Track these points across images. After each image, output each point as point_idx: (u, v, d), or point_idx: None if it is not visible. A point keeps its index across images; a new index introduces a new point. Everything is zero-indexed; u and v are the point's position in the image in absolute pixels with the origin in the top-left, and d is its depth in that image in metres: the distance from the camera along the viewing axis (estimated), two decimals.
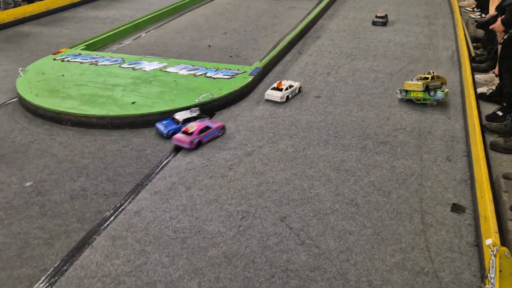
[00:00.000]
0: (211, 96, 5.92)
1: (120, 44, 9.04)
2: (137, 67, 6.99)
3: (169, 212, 3.97)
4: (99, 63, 7.21)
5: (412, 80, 5.86)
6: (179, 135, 5.02)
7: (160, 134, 5.26)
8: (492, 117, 5.22)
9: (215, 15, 10.98)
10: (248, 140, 5.16)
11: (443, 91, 5.75)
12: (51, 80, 6.59)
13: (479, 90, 5.95)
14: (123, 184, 4.48)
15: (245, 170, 4.55)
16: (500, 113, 5.18)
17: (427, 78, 5.72)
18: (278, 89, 5.99)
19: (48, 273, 3.36)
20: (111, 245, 3.61)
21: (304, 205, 3.96)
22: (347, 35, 9.10)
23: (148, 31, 9.85)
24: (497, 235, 3.07)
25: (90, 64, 7.21)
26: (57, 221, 3.93)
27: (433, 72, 5.90)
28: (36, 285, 3.26)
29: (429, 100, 5.72)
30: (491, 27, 5.75)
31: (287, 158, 4.75)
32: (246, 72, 6.70)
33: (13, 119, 5.88)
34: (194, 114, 5.40)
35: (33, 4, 11.23)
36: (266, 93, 6.09)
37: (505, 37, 5.28)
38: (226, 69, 6.83)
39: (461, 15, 9.46)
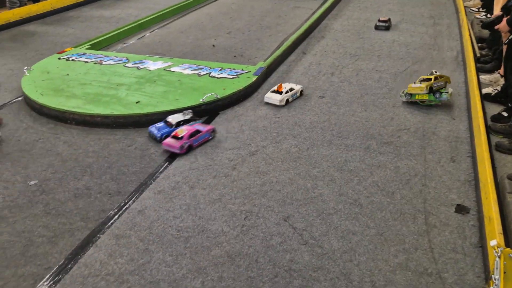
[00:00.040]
0: (215, 95, 5.93)
1: (125, 43, 9.07)
2: (141, 67, 7.01)
3: (172, 211, 3.98)
4: (103, 63, 7.23)
5: (415, 83, 5.82)
6: (169, 140, 4.93)
7: (153, 138, 5.17)
8: (497, 118, 5.20)
9: (220, 15, 11.00)
10: (251, 140, 5.17)
11: (448, 93, 5.73)
12: (56, 79, 6.63)
13: (484, 90, 5.92)
14: (127, 183, 4.50)
15: (249, 169, 4.56)
16: (505, 114, 5.16)
17: (430, 80, 5.69)
18: (278, 92, 5.93)
19: (52, 271, 3.38)
20: (115, 244, 3.62)
21: (307, 205, 3.96)
22: (351, 35, 9.09)
23: (153, 31, 9.87)
24: (502, 236, 3.06)
25: (94, 63, 7.24)
26: (61, 220, 3.95)
27: (436, 72, 5.88)
28: (40, 283, 3.28)
29: (434, 101, 5.72)
30: (496, 27, 5.73)
31: (290, 158, 4.75)
32: (250, 71, 6.70)
33: (18, 118, 5.91)
34: (187, 117, 5.36)
35: (38, 3, 11.29)
36: (265, 96, 6.03)
37: (510, 38, 5.26)
38: (230, 68, 6.84)
39: (466, 15, 9.43)
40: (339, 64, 7.50)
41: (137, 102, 5.81)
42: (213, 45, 8.69)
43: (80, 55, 7.65)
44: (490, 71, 6.64)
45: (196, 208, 4.00)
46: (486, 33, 7.51)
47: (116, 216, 3.97)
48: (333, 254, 3.40)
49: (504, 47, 5.67)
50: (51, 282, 3.28)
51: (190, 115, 5.41)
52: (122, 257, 3.48)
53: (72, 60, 7.42)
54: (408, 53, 7.98)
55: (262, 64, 7.03)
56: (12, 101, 6.48)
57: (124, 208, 4.08)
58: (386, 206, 3.94)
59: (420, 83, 5.69)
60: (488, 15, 8.92)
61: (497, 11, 6.77)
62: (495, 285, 2.70)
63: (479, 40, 7.91)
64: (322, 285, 3.12)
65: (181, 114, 5.40)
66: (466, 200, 3.96)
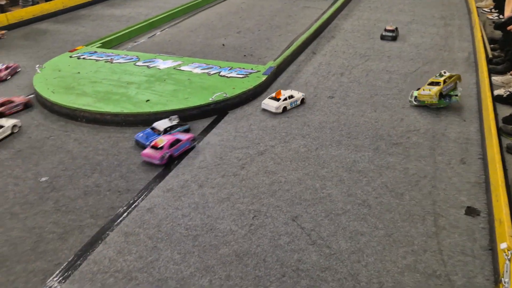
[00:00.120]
0: (224, 95, 5.94)
1: (135, 42, 9.12)
2: (151, 65, 7.04)
3: (181, 210, 4.00)
4: (114, 61, 7.28)
5: (424, 89, 5.69)
6: (148, 151, 4.71)
7: (141, 146, 4.98)
8: (508, 119, 5.14)
9: (229, 14, 11.01)
10: (260, 139, 5.17)
11: (457, 95, 5.68)
12: (67, 77, 6.69)
13: (496, 92, 5.87)
14: (136, 181, 4.53)
15: (257, 169, 4.56)
16: None
17: (439, 84, 5.60)
18: (276, 99, 5.79)
19: (62, 267, 3.41)
20: (124, 241, 3.65)
21: (316, 205, 3.96)
22: (361, 36, 9.05)
23: (163, 30, 9.92)
24: None
25: (105, 61, 7.29)
26: (71, 217, 3.99)
27: (445, 73, 5.79)
28: (50, 279, 3.32)
29: (444, 104, 5.68)
30: (508, 28, 5.67)
31: (299, 158, 4.75)
32: (259, 71, 6.71)
33: (30, 115, 5.98)
34: (174, 123, 5.20)
35: (50, 2, 11.40)
36: (263, 102, 5.89)
37: None
38: (239, 68, 6.85)
39: (478, 16, 9.34)
40: (348, 64, 7.47)
41: (147, 101, 5.85)
42: (223, 44, 8.70)
43: (91, 53, 7.72)
44: (502, 73, 6.57)
45: (204, 207, 4.01)
46: (498, 34, 7.43)
47: (125, 214, 4.00)
48: (341, 254, 3.39)
49: None
50: (60, 278, 3.31)
51: (177, 121, 5.28)
52: (131, 255, 3.51)
53: (83, 58, 7.49)
54: (418, 54, 7.93)
55: (272, 64, 7.03)
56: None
57: (133, 206, 4.11)
58: (395, 207, 3.92)
59: (429, 91, 5.59)
60: (501, 16, 8.83)
61: (508, 11, 6.71)
62: None
63: (491, 41, 7.84)
64: (329, 285, 3.12)
65: (167, 120, 5.27)
66: (476, 203, 3.93)
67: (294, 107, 5.90)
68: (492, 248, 3.32)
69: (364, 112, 5.76)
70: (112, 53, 7.83)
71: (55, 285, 3.26)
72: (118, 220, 3.92)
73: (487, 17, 9.28)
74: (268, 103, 5.84)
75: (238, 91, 6.12)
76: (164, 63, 7.14)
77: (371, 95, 6.31)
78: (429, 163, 4.57)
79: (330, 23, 9.97)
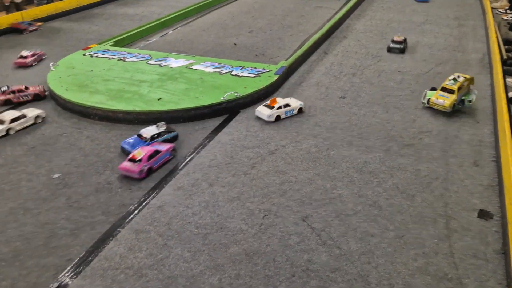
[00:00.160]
0: (236, 94, 5.95)
1: (148, 40, 9.18)
2: (163, 64, 7.09)
3: (191, 208, 4.02)
4: (126, 59, 7.35)
5: (437, 98, 5.61)
6: (125, 164, 4.61)
7: (126, 154, 4.88)
8: None
9: (242, 14, 11.02)
10: (271, 139, 5.17)
11: (471, 101, 5.62)
12: (80, 75, 6.77)
13: (511, 94, 5.80)
14: (147, 179, 4.56)
15: (268, 168, 4.57)
16: None
17: (453, 92, 5.51)
18: (270, 106, 5.65)
19: (74, 263, 3.46)
20: (135, 238, 3.68)
21: (326, 206, 3.95)
22: (374, 36, 9.00)
23: (175, 29, 9.97)
24: None
25: (118, 60, 7.35)
26: (82, 213, 4.04)
27: (459, 77, 5.69)
28: (62, 274, 3.36)
29: (457, 108, 5.64)
30: None
31: (310, 158, 4.74)
32: (271, 71, 6.72)
33: (44, 112, 6.04)
34: (161, 129, 5.12)
35: (64, 0, 11.57)
36: (256, 109, 5.78)
37: None
38: (251, 67, 6.86)
39: (493, 16, 9.23)
40: (360, 64, 7.43)
41: (159, 99, 5.88)
42: (235, 44, 8.72)
43: (104, 51, 7.79)
44: None
45: (215, 206, 4.03)
46: None
47: (136, 211, 4.03)
48: (351, 255, 3.38)
49: None
50: (72, 274, 3.35)
51: (164, 127, 5.18)
52: (141, 252, 3.53)
53: (96, 56, 7.56)
54: (431, 54, 7.86)
55: (284, 64, 7.03)
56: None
57: (144, 204, 4.14)
58: (406, 209, 3.90)
59: (443, 100, 5.51)
60: None
61: None
62: None
63: (506, 42, 7.75)
64: (339, 286, 3.11)
65: (155, 126, 5.18)
66: (489, 205, 3.89)
67: (289, 116, 5.71)
68: (505, 252, 3.29)
69: (376, 113, 5.73)
70: (125, 51, 7.88)
71: (67, 280, 3.30)
72: (129, 218, 3.96)
73: (502, 18, 9.18)
74: (261, 111, 5.72)
75: (249, 90, 6.13)
76: (176, 62, 7.18)
77: (383, 95, 6.27)
78: (441, 165, 4.54)
79: (342, 23, 9.93)
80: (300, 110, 5.82)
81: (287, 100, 5.72)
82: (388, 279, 3.19)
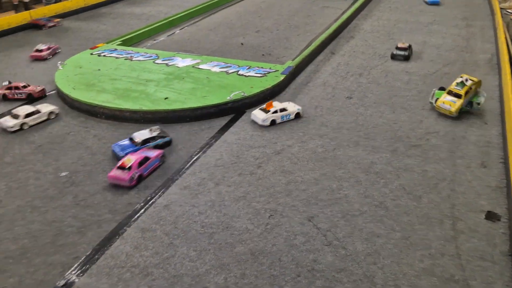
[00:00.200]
0: (242, 94, 5.96)
1: (155, 40, 9.22)
2: (170, 63, 7.12)
3: (197, 207, 4.03)
4: (133, 59, 7.38)
5: (444, 103, 5.59)
6: (115, 172, 4.51)
7: (117, 158, 4.85)
8: None
9: (248, 13, 11.03)
10: (277, 139, 5.18)
11: (479, 103, 5.59)
12: (87, 74, 6.81)
13: None
14: (153, 178, 4.58)
15: (274, 168, 4.57)
16: None
17: (460, 96, 5.48)
18: (266, 110, 5.59)
19: (80, 261, 3.48)
20: (141, 237, 3.70)
21: (332, 206, 3.95)
22: (381, 36, 8.97)
23: (182, 28, 10.00)
24: None
25: (125, 59, 7.38)
26: (89, 211, 4.06)
27: (467, 80, 5.64)
28: (69, 272, 3.38)
29: (464, 110, 5.62)
30: None
31: (316, 158, 4.73)
32: (278, 70, 6.72)
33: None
34: (154, 134, 5.06)
35: (72, 0, 11.64)
36: (252, 112, 5.75)
37: None
38: (258, 67, 6.86)
39: (502, 17, 9.17)
40: (367, 65, 7.42)
41: (166, 98, 5.90)
42: (242, 43, 8.73)
43: (112, 51, 7.83)
44: None
45: (220, 205, 4.04)
46: None
47: (143, 210, 4.05)
48: (357, 256, 3.38)
49: None
50: (78, 271, 3.37)
51: (158, 132, 5.13)
52: (147, 250, 3.55)
53: (104, 55, 7.60)
54: (439, 55, 7.82)
55: (290, 63, 7.03)
56: (46, 94, 6.68)
57: (150, 202, 4.16)
58: (412, 210, 3.89)
59: (450, 105, 5.49)
60: None
61: None
62: None
63: None
64: (344, 286, 3.11)
65: (147, 130, 5.13)
66: (497, 207, 3.87)
67: (286, 121, 5.68)
68: None
69: (383, 113, 5.72)
70: (132, 50, 7.93)
71: (73, 278, 3.32)
72: (136, 216, 3.98)
73: (511, 19, 9.10)
74: (256, 114, 5.70)
75: (256, 90, 6.14)
76: (183, 61, 7.21)
77: (390, 96, 6.25)
78: (448, 166, 4.52)
79: (349, 23, 9.92)
80: (298, 115, 5.73)
81: (284, 105, 5.66)
82: (394, 280, 3.18)
